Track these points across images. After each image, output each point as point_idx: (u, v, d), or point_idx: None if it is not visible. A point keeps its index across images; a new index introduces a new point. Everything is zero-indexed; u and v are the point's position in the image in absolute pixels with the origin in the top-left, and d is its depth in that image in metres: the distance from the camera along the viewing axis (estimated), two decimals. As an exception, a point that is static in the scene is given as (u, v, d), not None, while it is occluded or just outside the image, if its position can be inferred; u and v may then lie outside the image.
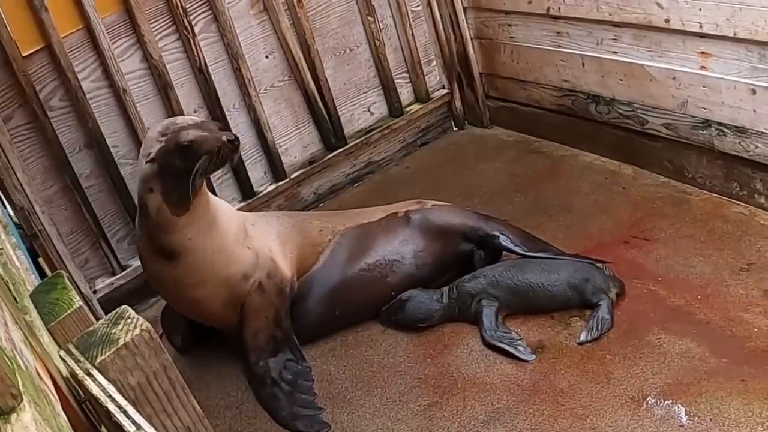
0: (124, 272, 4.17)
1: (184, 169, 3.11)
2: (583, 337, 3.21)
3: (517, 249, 3.58)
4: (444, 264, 3.66)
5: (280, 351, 3.43)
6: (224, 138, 3.11)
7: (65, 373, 1.63)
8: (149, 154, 3.17)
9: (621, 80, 4.02)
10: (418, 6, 4.85)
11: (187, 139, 3.11)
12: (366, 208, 3.97)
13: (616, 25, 3.88)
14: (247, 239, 3.41)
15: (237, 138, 3.15)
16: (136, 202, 3.38)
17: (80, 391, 1.59)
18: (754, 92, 3.40)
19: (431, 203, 3.81)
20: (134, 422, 1.37)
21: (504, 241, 3.61)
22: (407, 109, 4.95)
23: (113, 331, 1.63)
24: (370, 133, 4.83)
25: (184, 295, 3.43)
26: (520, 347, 3.23)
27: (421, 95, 4.99)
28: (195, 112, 4.23)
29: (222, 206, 3.45)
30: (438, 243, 3.65)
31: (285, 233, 3.60)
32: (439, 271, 3.65)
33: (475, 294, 3.42)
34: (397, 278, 3.59)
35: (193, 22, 4.10)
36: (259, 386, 3.39)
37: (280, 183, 4.57)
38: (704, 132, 3.73)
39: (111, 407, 1.43)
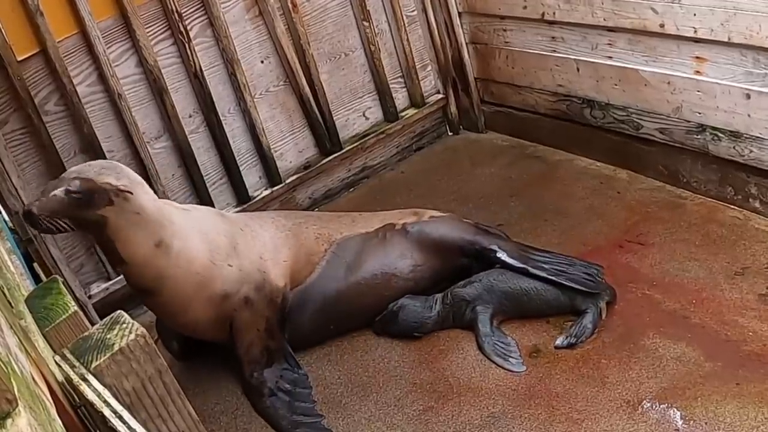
0: (119, 277, 4.14)
1: None
2: (559, 342, 3.23)
3: (515, 264, 3.44)
4: (441, 278, 3.60)
5: (275, 361, 3.40)
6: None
7: (60, 378, 1.63)
8: None
9: (616, 85, 4.03)
10: (414, 11, 4.85)
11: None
12: (363, 213, 3.93)
13: (611, 30, 3.89)
14: (229, 255, 3.34)
15: (29, 212, 2.98)
16: None
17: (75, 396, 1.59)
18: (748, 97, 3.41)
19: (428, 214, 3.73)
20: (129, 427, 1.37)
21: (501, 255, 3.48)
22: (402, 114, 4.95)
23: (108, 336, 1.63)
24: (365, 138, 4.83)
25: (171, 320, 3.48)
26: (512, 358, 3.23)
27: (416, 100, 4.99)
28: (190, 117, 4.23)
29: (194, 228, 3.30)
30: (435, 257, 3.59)
31: (279, 238, 3.54)
32: (436, 285, 3.58)
33: (470, 300, 3.41)
34: (394, 293, 3.54)
35: (188, 27, 4.10)
36: (257, 398, 3.36)
37: (275, 188, 4.56)
38: (699, 136, 3.74)
39: (106, 412, 1.43)
